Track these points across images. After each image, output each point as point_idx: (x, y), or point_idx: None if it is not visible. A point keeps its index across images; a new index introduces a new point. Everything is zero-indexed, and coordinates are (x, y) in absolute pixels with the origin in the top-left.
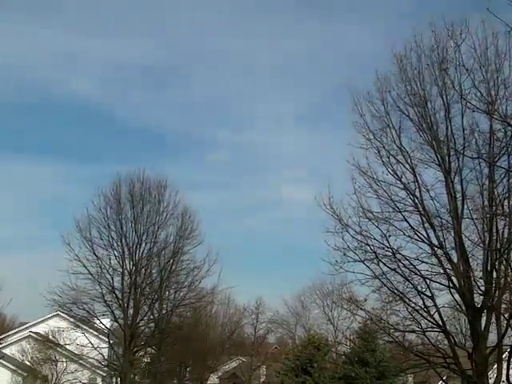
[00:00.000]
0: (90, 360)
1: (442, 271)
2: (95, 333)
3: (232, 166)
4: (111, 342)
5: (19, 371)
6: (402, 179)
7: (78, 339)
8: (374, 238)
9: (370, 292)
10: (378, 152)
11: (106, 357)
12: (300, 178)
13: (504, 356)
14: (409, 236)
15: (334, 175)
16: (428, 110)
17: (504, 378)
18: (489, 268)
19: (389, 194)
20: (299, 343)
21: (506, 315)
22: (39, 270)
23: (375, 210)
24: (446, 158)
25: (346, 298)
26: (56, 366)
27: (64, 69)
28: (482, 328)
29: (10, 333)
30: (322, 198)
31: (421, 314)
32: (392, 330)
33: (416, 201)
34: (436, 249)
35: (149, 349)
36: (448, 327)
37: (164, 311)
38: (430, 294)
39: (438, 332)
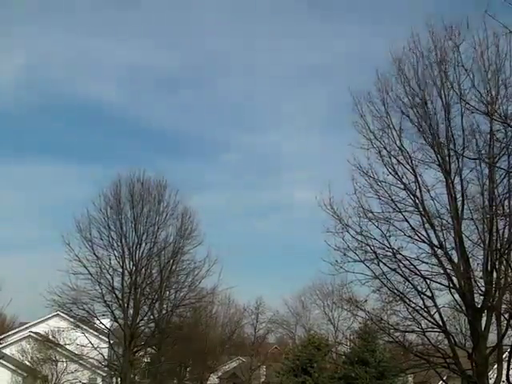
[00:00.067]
0: (90, 360)
1: (442, 271)
2: (95, 333)
3: (241, 167)
4: (111, 341)
5: (19, 371)
6: (403, 179)
7: (78, 339)
8: (375, 238)
9: (370, 292)
10: (379, 152)
11: (106, 357)
12: (303, 180)
13: (504, 356)
14: (409, 236)
15: (336, 176)
16: (428, 110)
17: (504, 378)
18: (489, 268)
19: (389, 195)
20: (299, 343)
21: (506, 315)
22: (39, 270)
23: (376, 210)
24: (447, 158)
25: (346, 298)
26: (56, 366)
27: (79, 69)
28: (482, 328)
29: (9, 333)
30: (322, 198)
31: (421, 314)
32: (392, 330)
33: (416, 201)
34: (436, 249)
35: (149, 349)
36: (448, 327)
37: (164, 311)
38: (430, 294)
39: (438, 332)
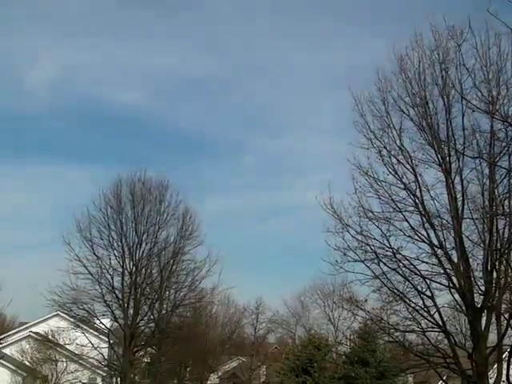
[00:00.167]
0: (90, 360)
1: (442, 271)
2: (95, 333)
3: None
4: (111, 341)
5: (19, 371)
6: (403, 179)
7: (78, 339)
8: (375, 238)
9: (371, 292)
10: (379, 152)
11: (106, 357)
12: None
13: (504, 356)
14: (409, 236)
15: (337, 177)
16: (429, 110)
17: (504, 378)
18: (489, 268)
19: (389, 194)
20: (299, 343)
21: (506, 315)
22: (39, 270)
23: (376, 210)
24: (447, 158)
25: (346, 298)
26: (56, 366)
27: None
28: (482, 328)
29: (9, 333)
30: (322, 198)
31: (421, 314)
32: (392, 330)
33: (416, 201)
34: (436, 249)
35: (149, 349)
36: (448, 327)
37: (164, 311)
38: (430, 294)
39: (438, 332)
